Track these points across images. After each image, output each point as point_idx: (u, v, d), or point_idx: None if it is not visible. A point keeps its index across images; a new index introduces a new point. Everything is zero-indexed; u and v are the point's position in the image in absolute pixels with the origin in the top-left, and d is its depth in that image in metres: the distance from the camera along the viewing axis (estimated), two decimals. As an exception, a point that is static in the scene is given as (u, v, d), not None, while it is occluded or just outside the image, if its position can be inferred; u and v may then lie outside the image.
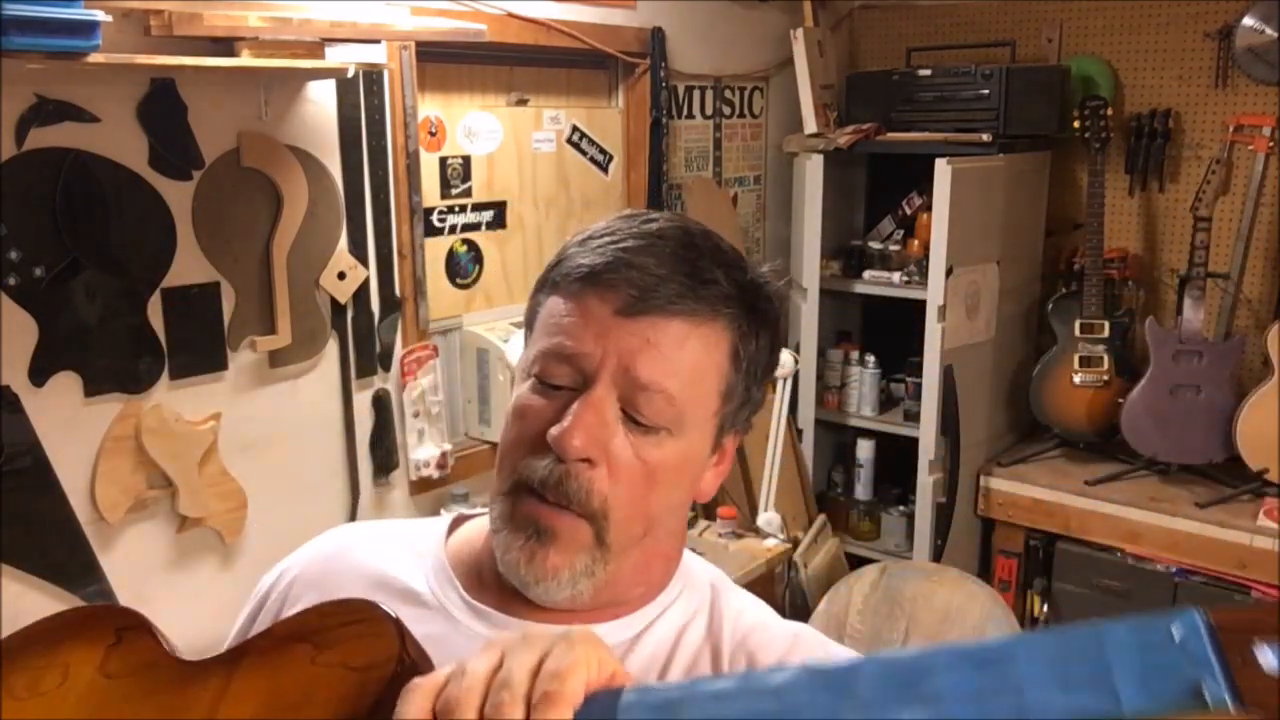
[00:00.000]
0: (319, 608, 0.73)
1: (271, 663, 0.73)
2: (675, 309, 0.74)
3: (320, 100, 2.09)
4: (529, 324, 0.81)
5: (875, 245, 3.27)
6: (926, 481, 3.00)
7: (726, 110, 3.21)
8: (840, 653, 0.84)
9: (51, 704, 0.76)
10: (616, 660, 0.56)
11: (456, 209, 2.47)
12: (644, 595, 0.83)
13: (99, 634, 0.78)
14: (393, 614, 0.69)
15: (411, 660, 0.68)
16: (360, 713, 0.67)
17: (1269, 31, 2.89)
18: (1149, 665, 0.46)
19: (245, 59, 1.81)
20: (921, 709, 0.48)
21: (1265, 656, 0.46)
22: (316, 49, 1.91)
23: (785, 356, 2.58)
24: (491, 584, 0.82)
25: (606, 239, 0.76)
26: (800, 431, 3.24)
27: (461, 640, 0.77)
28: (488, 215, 2.54)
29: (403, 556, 0.86)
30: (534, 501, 0.75)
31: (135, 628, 0.77)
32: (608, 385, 0.73)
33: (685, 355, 0.74)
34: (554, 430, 0.73)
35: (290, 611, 0.86)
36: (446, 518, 0.91)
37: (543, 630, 0.57)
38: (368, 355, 2.25)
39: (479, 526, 0.87)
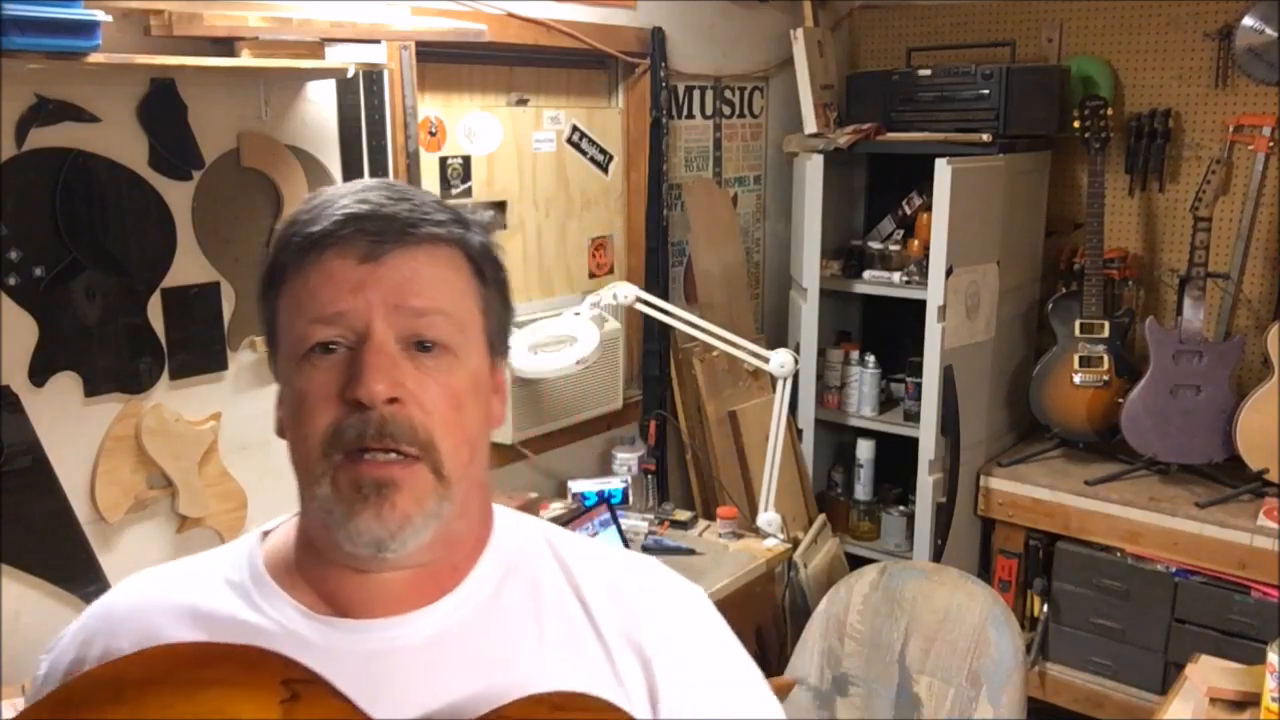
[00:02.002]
0: (548, 699, 0.72)
1: None
2: (413, 240, 0.76)
3: (320, 100, 2.09)
4: (270, 335, 0.81)
5: (875, 245, 3.27)
6: (926, 481, 3.00)
7: (726, 110, 3.21)
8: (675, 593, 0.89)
9: None
10: None
11: (456, 209, 2.47)
12: (472, 534, 0.83)
13: (260, 685, 0.70)
14: (626, 710, 0.72)
15: None
16: None
17: (1269, 31, 2.89)
18: None
19: (245, 59, 1.81)
20: None
21: None
22: (316, 49, 1.91)
23: (785, 356, 2.57)
24: (319, 581, 0.80)
25: (319, 210, 0.77)
26: (800, 431, 3.24)
27: (312, 656, 0.74)
28: (488, 215, 2.54)
29: (221, 589, 0.82)
30: (359, 463, 0.74)
31: (308, 681, 0.71)
32: (384, 329, 0.74)
33: (441, 278, 0.77)
34: (352, 384, 0.73)
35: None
36: (247, 537, 0.87)
37: None
38: (368, 355, 2.24)
39: (286, 531, 0.86)
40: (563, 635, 0.81)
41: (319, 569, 0.80)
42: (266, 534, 0.87)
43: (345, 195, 0.77)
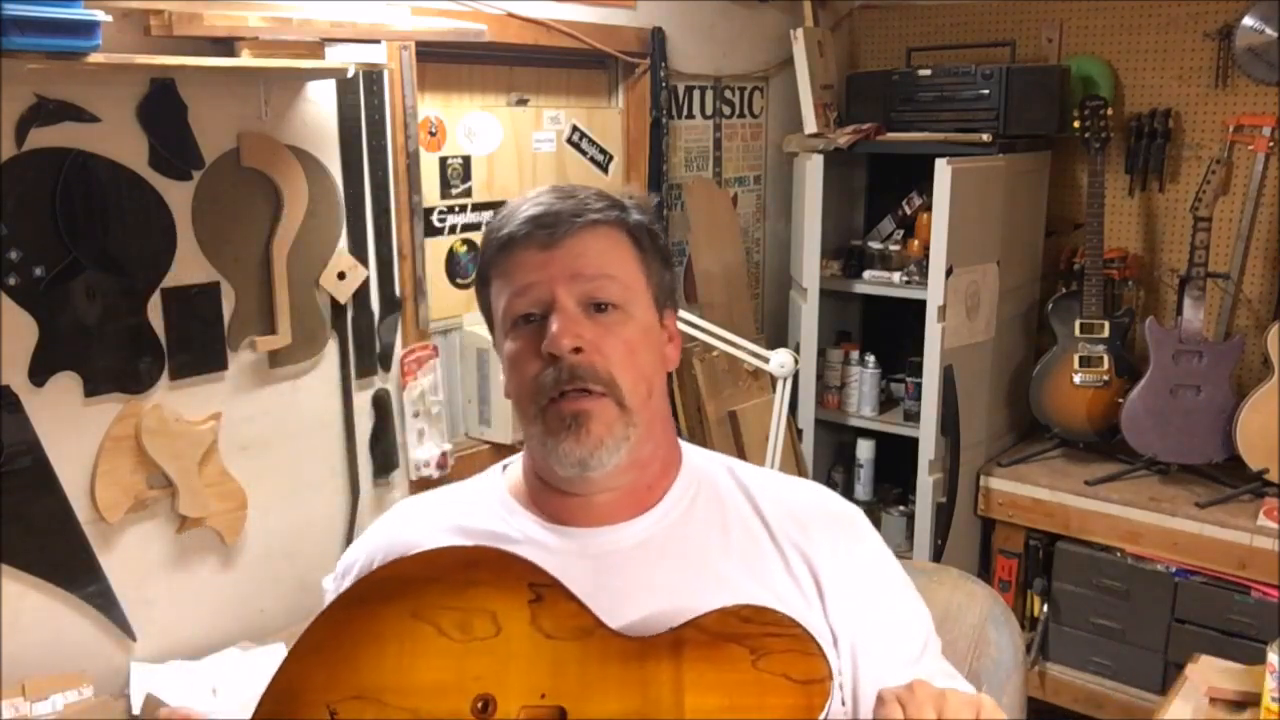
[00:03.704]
0: (738, 611, 0.84)
1: (714, 658, 0.81)
2: (579, 225, 0.97)
3: (320, 100, 2.09)
4: (488, 316, 1.04)
5: (875, 245, 3.27)
6: (926, 481, 3.00)
7: (726, 110, 3.21)
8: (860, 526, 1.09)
9: (496, 650, 0.82)
10: None
11: (456, 209, 2.47)
12: (659, 459, 1.03)
13: (512, 586, 0.85)
14: (813, 634, 0.83)
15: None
16: None
17: (1269, 31, 2.89)
18: None
19: (245, 59, 1.81)
20: None
21: None
22: (316, 49, 1.91)
23: (785, 356, 2.57)
24: (547, 503, 1.03)
25: (506, 218, 1.00)
26: (800, 431, 3.24)
27: (551, 558, 0.93)
28: (488, 215, 2.54)
29: (477, 507, 1.06)
30: (559, 402, 0.94)
31: (550, 585, 0.85)
32: (566, 295, 0.96)
33: (605, 251, 0.98)
34: (545, 342, 0.94)
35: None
36: (491, 471, 1.12)
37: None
38: (368, 355, 2.25)
39: (518, 467, 1.08)
40: (745, 542, 1.01)
41: (545, 494, 1.03)
42: (504, 469, 1.11)
43: (524, 203, 1.00)
